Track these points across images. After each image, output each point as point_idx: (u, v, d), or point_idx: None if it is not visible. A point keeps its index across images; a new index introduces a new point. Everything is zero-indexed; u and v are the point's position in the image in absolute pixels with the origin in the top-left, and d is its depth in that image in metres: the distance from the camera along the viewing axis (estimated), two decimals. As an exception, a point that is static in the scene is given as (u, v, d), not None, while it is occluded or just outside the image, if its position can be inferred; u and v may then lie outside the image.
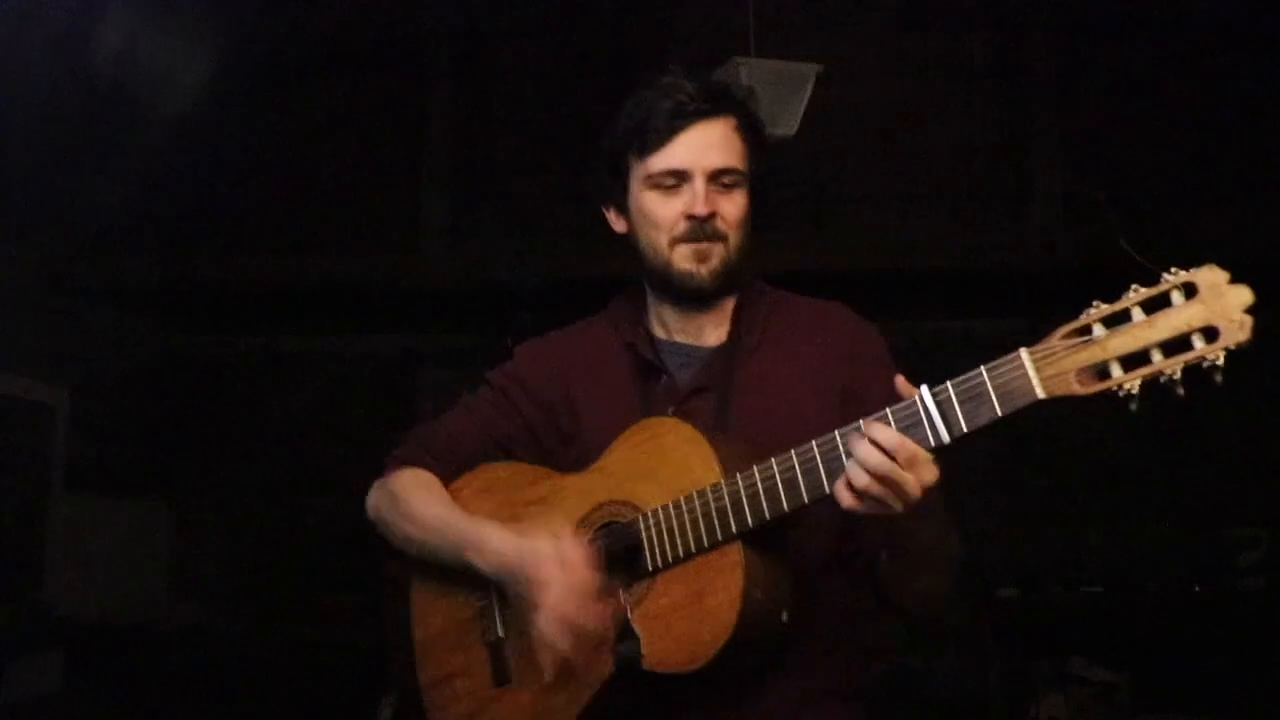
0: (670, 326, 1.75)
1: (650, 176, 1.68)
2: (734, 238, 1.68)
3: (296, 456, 5.81)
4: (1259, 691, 4.87)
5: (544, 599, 1.47)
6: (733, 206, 1.68)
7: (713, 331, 1.73)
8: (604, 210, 1.78)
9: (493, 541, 1.59)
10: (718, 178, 1.66)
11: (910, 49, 5.24)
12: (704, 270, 1.66)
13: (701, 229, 1.65)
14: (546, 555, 1.50)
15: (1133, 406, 1.26)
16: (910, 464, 1.34)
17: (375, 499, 1.78)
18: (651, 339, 1.74)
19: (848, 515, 1.41)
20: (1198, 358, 1.21)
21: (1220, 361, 1.21)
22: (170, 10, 4.49)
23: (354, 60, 5.43)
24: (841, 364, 1.69)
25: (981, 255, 5.03)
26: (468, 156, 5.33)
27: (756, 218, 1.74)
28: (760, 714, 1.55)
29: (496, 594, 1.63)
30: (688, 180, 1.66)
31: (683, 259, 1.67)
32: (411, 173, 5.36)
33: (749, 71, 3.90)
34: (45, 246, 5.06)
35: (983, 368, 1.33)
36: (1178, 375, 1.23)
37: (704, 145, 1.66)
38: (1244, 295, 1.22)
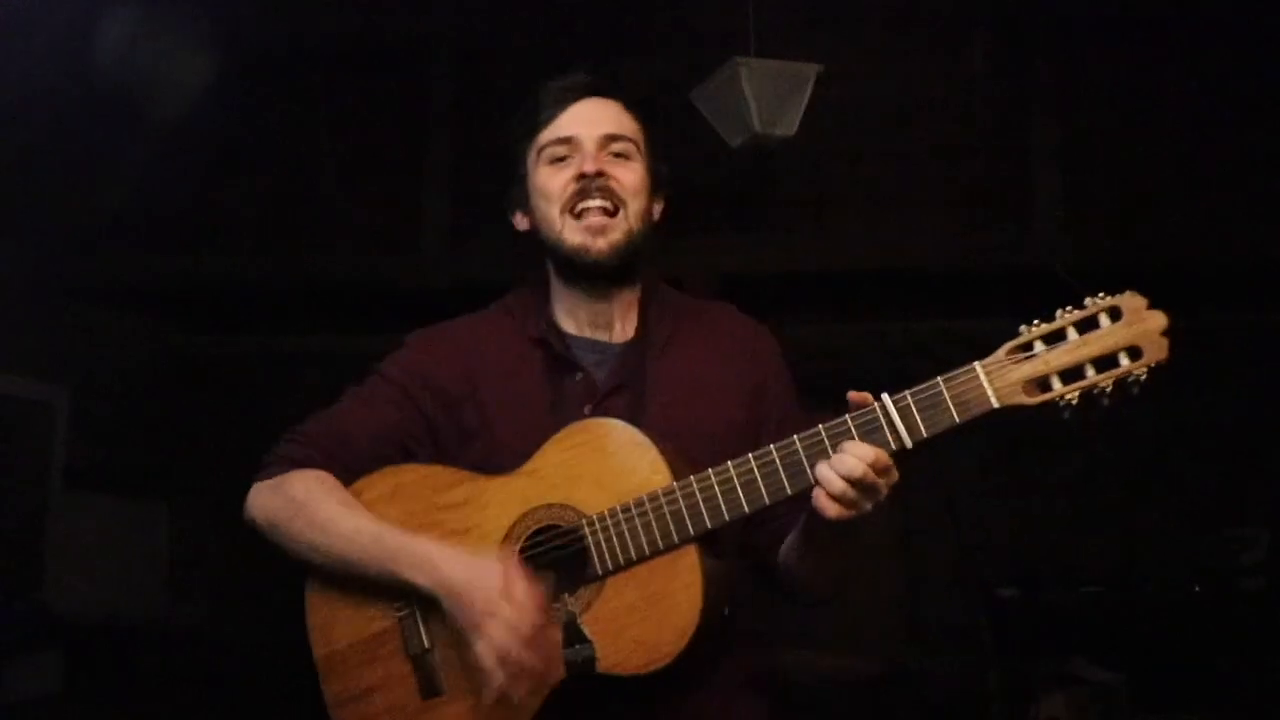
0: (578, 319, 1.70)
1: (542, 151, 1.68)
2: (633, 206, 1.65)
3: (296, 456, 5.80)
4: (1259, 691, 4.87)
5: (488, 629, 1.43)
6: (628, 173, 1.66)
7: (619, 326, 1.70)
8: (509, 216, 1.75)
9: (435, 558, 1.51)
10: (608, 144, 1.66)
11: (910, 49, 5.23)
12: (601, 243, 1.63)
13: (592, 186, 1.63)
14: (493, 586, 1.44)
15: (1067, 416, 1.41)
16: (884, 472, 1.43)
17: (268, 501, 1.64)
18: (561, 333, 1.69)
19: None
20: (1125, 373, 1.39)
21: (1144, 377, 1.40)
22: (170, 10, 4.49)
23: (354, 60, 5.42)
24: (748, 363, 1.71)
25: (981, 255, 5.03)
26: (468, 156, 5.33)
27: (656, 203, 1.72)
28: (694, 707, 1.56)
29: (419, 603, 1.55)
30: (578, 148, 1.65)
31: (574, 232, 1.64)
32: (411, 173, 5.36)
33: (749, 71, 3.90)
34: (45, 246, 5.06)
35: (939, 378, 1.44)
36: (1109, 388, 1.40)
37: (593, 114, 1.67)
38: (1160, 320, 1.40)
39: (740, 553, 1.63)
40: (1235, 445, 5.28)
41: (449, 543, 1.54)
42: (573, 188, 1.64)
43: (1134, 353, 1.39)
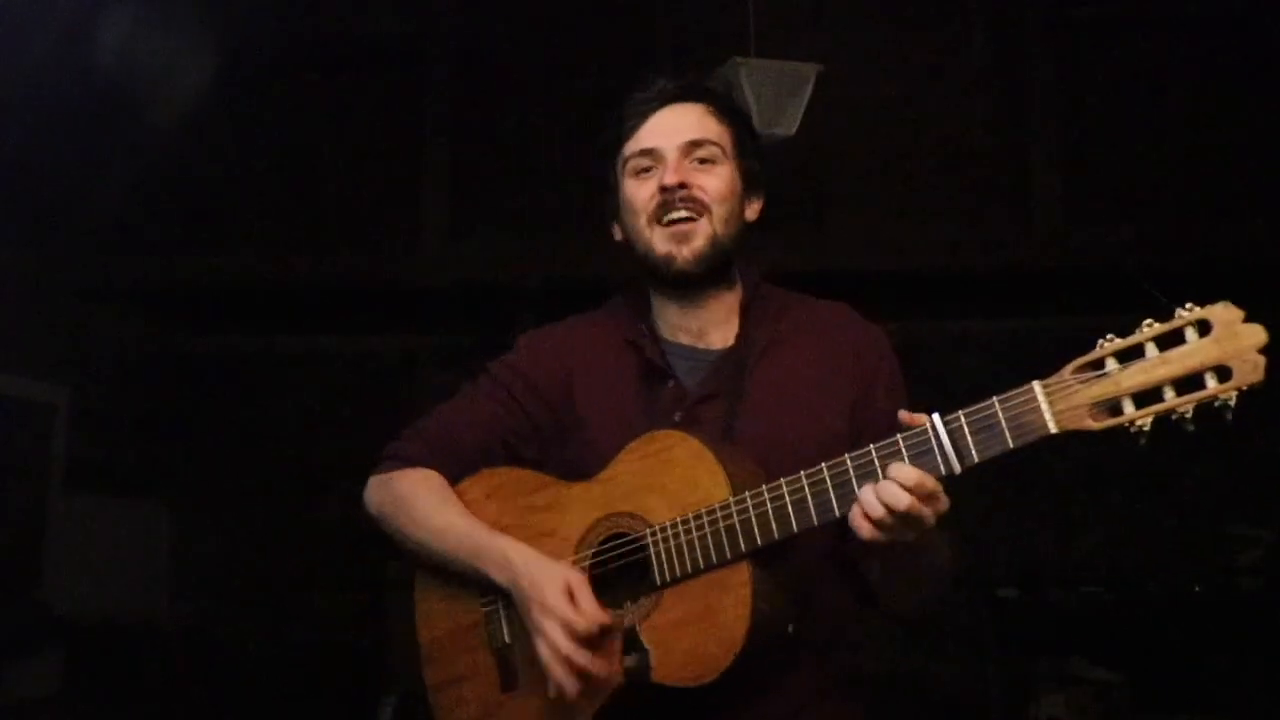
0: (674, 326, 1.70)
1: (627, 163, 1.67)
2: (718, 212, 1.64)
3: (296, 456, 5.81)
4: (1259, 691, 4.87)
5: (545, 627, 1.48)
6: (713, 179, 1.65)
7: (717, 332, 1.70)
8: (608, 227, 1.76)
9: (511, 557, 1.56)
10: (691, 152, 1.65)
11: (910, 49, 5.23)
12: (685, 251, 1.63)
13: (674, 198, 1.62)
14: (556, 583, 1.49)
15: (1142, 442, 1.27)
16: (929, 499, 1.36)
17: (378, 497, 1.73)
18: (657, 339, 1.70)
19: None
20: (1210, 396, 1.22)
21: (1232, 401, 1.23)
22: (170, 10, 4.49)
23: (354, 60, 5.42)
24: (852, 373, 1.67)
25: (981, 255, 5.03)
26: (467, 156, 5.33)
27: (749, 205, 1.71)
28: (760, 716, 1.55)
29: (503, 601, 1.61)
30: (661, 159, 1.65)
31: (662, 241, 1.64)
32: (411, 173, 5.36)
33: (749, 71, 3.90)
34: (45, 246, 5.06)
35: (995, 399, 1.33)
36: (1189, 414, 1.24)
37: (675, 123, 1.66)
38: (1258, 335, 1.22)
39: (835, 561, 1.61)
40: (1235, 445, 5.28)
41: (533, 545, 1.58)
42: (657, 200, 1.64)
43: (1222, 373, 1.22)
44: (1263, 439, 5.37)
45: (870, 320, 1.80)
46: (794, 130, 4.03)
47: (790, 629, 1.52)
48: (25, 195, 4.67)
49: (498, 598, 1.62)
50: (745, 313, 1.71)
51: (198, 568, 5.91)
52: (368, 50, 5.41)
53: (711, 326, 1.70)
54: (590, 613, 1.47)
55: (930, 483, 1.35)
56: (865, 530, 1.38)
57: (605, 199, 1.74)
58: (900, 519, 1.36)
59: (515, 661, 1.60)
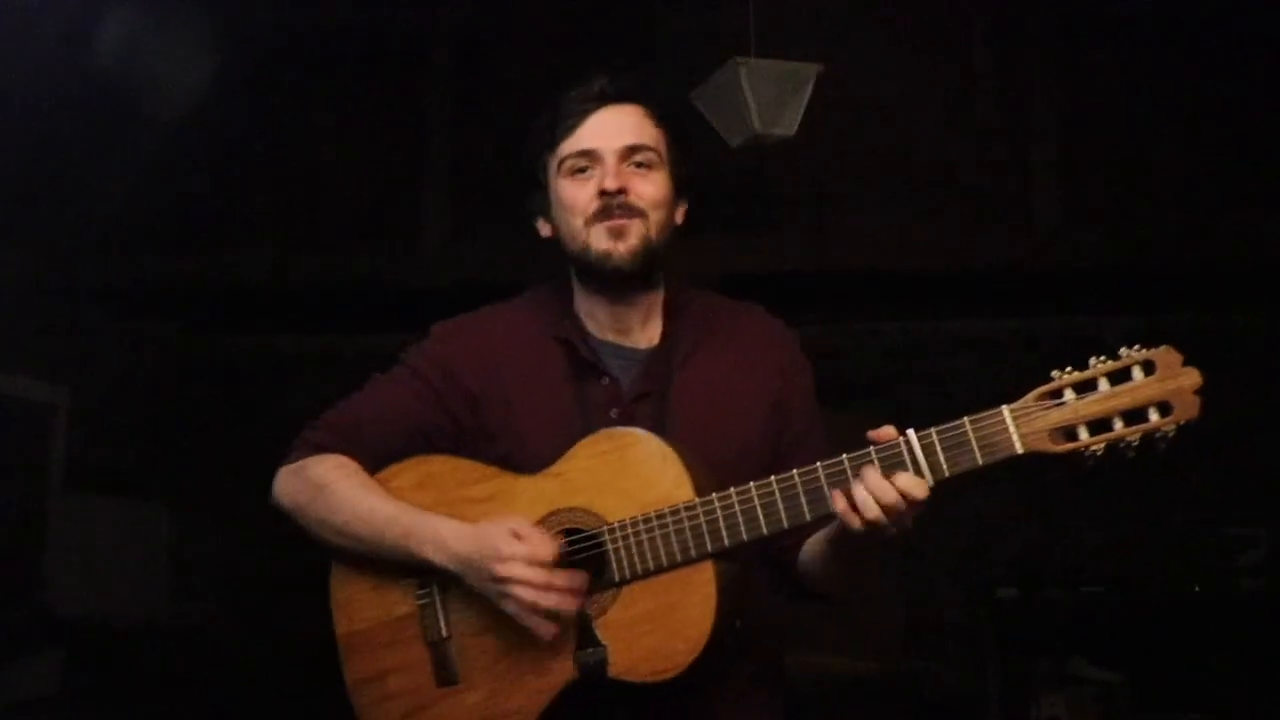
0: (601, 323, 1.70)
1: (563, 163, 1.67)
2: (653, 217, 1.65)
3: (296, 456, 5.80)
4: (1259, 691, 4.88)
5: (508, 572, 1.47)
6: (649, 185, 1.65)
7: (642, 331, 1.71)
8: (533, 222, 1.76)
9: (445, 532, 1.55)
10: (629, 156, 1.65)
11: (910, 49, 5.23)
12: (621, 248, 1.63)
13: (613, 203, 1.63)
14: (502, 532, 1.49)
15: (1091, 465, 1.42)
16: (916, 503, 1.44)
17: (290, 486, 1.69)
18: (585, 335, 1.70)
19: None
20: (1153, 428, 1.40)
21: (1172, 434, 1.40)
22: (170, 10, 4.49)
23: (354, 60, 5.42)
24: (774, 375, 1.70)
25: (981, 255, 5.03)
26: (468, 156, 5.33)
27: (678, 209, 1.72)
28: (700, 708, 1.58)
29: (439, 591, 1.59)
30: (599, 161, 1.65)
31: (599, 239, 1.64)
32: (411, 173, 5.36)
33: (749, 71, 3.89)
34: (45, 246, 5.06)
35: (966, 419, 1.44)
36: (1136, 442, 1.40)
37: (613, 125, 1.66)
38: (1194, 377, 1.39)
39: (760, 553, 1.64)
40: (1235, 445, 5.28)
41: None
42: (595, 204, 1.64)
43: (1164, 408, 1.39)
44: (1263, 439, 5.37)
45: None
46: (794, 130, 4.03)
47: (738, 624, 1.56)
48: (25, 195, 4.67)
49: (433, 588, 1.59)
50: (668, 313, 1.72)
51: (198, 568, 5.92)
52: (369, 49, 5.40)
53: (637, 325, 1.70)
54: (544, 544, 1.48)
55: (922, 487, 1.43)
56: (855, 523, 1.44)
57: (531, 194, 1.74)
58: (891, 514, 1.43)
59: (452, 656, 1.58)
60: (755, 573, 1.64)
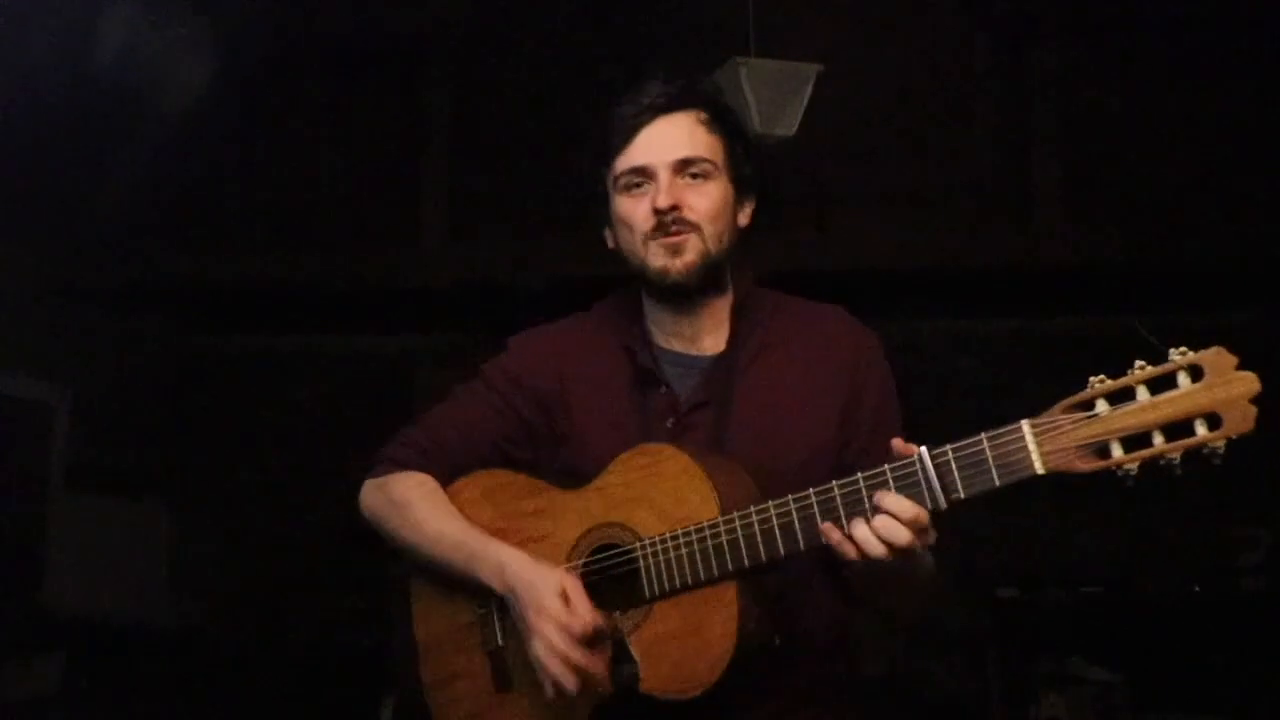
0: (667, 332, 1.71)
1: (618, 179, 1.66)
2: (709, 229, 1.64)
3: (296, 456, 5.81)
4: (1259, 691, 4.88)
5: (541, 628, 1.50)
6: (702, 198, 1.64)
7: (709, 338, 1.70)
8: (600, 232, 1.76)
9: (506, 561, 1.58)
10: (683, 170, 1.63)
11: (910, 47, 5.23)
12: (678, 263, 1.63)
13: (669, 222, 1.62)
14: (551, 587, 1.51)
15: (1129, 484, 1.27)
16: (921, 532, 1.38)
17: (373, 501, 1.76)
18: (650, 345, 1.71)
19: None
20: (1199, 444, 1.22)
21: (1221, 450, 1.22)
22: (170, 10, 4.49)
23: (354, 60, 5.42)
24: (844, 378, 1.67)
25: (981, 255, 5.03)
26: (467, 155, 5.33)
27: (742, 211, 1.71)
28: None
29: (497, 604, 1.63)
30: (652, 176, 1.64)
31: (655, 255, 1.64)
32: (411, 173, 5.36)
33: (749, 71, 3.90)
34: (45, 246, 5.06)
35: (984, 435, 1.33)
36: (1178, 460, 1.23)
37: (664, 139, 1.64)
38: (1251, 384, 1.22)
39: (820, 564, 1.61)
40: (1235, 445, 5.27)
41: (525, 550, 1.60)
42: (651, 222, 1.63)
43: (1213, 420, 1.21)
44: (1263, 439, 5.37)
45: (871, 320, 1.79)
46: (794, 130, 4.03)
47: (777, 641, 1.53)
48: (25, 195, 4.67)
49: (492, 602, 1.63)
50: (736, 317, 1.71)
51: (198, 568, 5.92)
52: (368, 50, 5.40)
53: (704, 332, 1.70)
54: (585, 615, 1.49)
55: (923, 516, 1.36)
56: (852, 553, 1.41)
57: (597, 207, 1.73)
58: (895, 552, 1.38)
59: (509, 663, 1.62)
60: (809, 586, 1.62)
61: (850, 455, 1.62)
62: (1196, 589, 5.16)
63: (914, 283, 5.23)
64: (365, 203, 5.44)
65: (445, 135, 5.37)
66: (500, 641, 1.63)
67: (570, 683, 1.48)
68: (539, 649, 1.50)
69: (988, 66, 5.22)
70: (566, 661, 1.48)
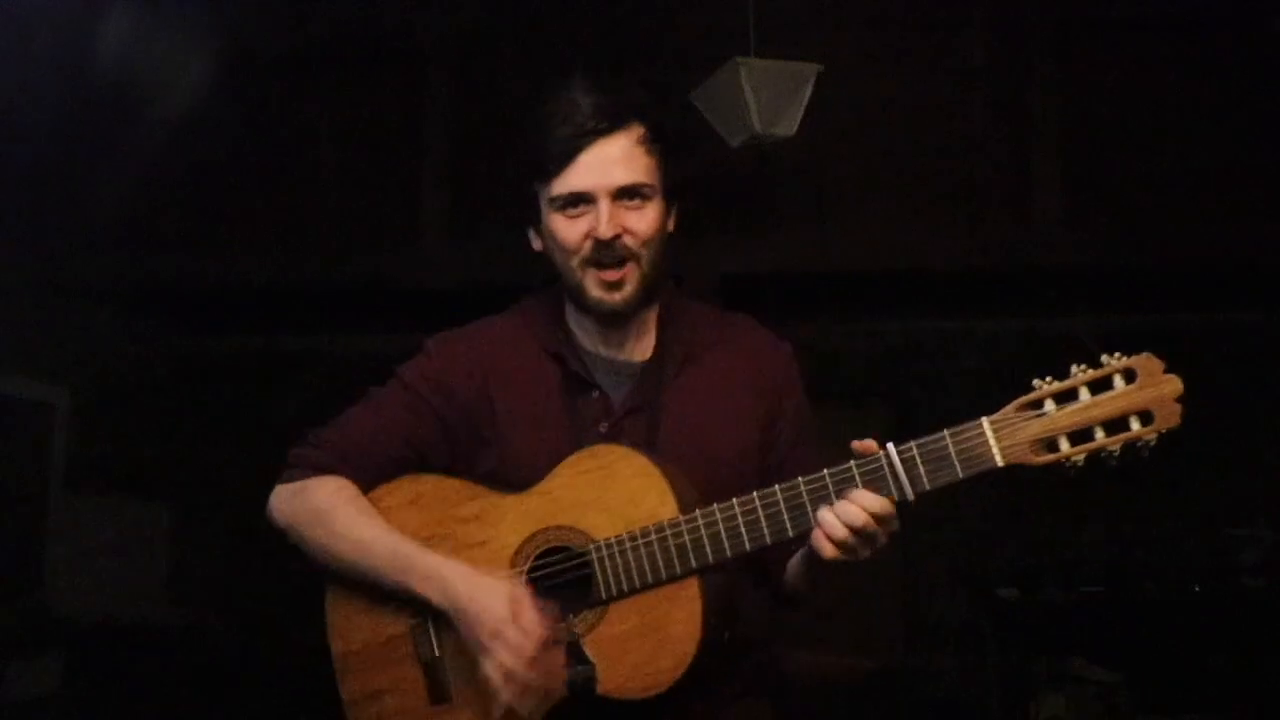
0: (593, 336, 1.70)
1: (554, 200, 1.63)
2: (647, 255, 1.63)
3: (296, 456, 5.80)
4: (1259, 691, 4.88)
5: (494, 650, 1.48)
6: (643, 223, 1.62)
7: (637, 345, 1.69)
8: (526, 231, 1.73)
9: (447, 574, 1.55)
10: (622, 196, 1.61)
11: (910, 49, 5.23)
12: (617, 297, 1.62)
13: (608, 250, 1.61)
14: (499, 600, 1.49)
15: (1072, 474, 1.41)
16: (885, 521, 1.45)
17: (289, 508, 1.69)
18: (576, 348, 1.69)
19: None
20: (1134, 438, 1.38)
21: (1153, 443, 1.39)
22: (170, 10, 4.49)
23: (354, 61, 5.42)
24: (765, 387, 1.69)
25: (981, 255, 5.03)
26: (467, 156, 5.33)
27: (671, 219, 1.69)
28: (687, 717, 1.57)
29: (431, 614, 1.59)
30: (591, 202, 1.61)
31: (594, 286, 1.63)
32: (411, 173, 5.36)
33: (749, 71, 3.90)
34: (45, 246, 5.06)
35: (946, 431, 1.43)
36: (1117, 452, 1.39)
37: (605, 164, 1.61)
38: (1176, 385, 1.38)
39: (748, 565, 1.63)
40: (1235, 445, 5.28)
41: (461, 557, 1.57)
42: (589, 247, 1.62)
43: (1145, 417, 1.38)
44: (1263, 439, 5.37)
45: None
46: (794, 130, 4.03)
47: (726, 635, 1.56)
48: (26, 195, 4.67)
49: (425, 611, 1.59)
50: (661, 325, 1.71)
51: (198, 568, 5.91)
52: (368, 50, 5.40)
53: (631, 339, 1.69)
54: (535, 629, 1.47)
55: (888, 507, 1.44)
56: (829, 551, 1.46)
57: (522, 205, 1.70)
58: (860, 538, 1.44)
59: (445, 674, 1.59)
60: (744, 580, 1.64)
61: (774, 460, 1.66)
62: (1196, 589, 5.15)
63: (914, 283, 5.23)
64: (365, 203, 5.43)
65: (445, 135, 5.36)
66: (436, 652, 1.59)
67: (525, 704, 1.48)
68: (491, 670, 1.48)
69: (987, 66, 5.22)
70: (514, 680, 1.47)
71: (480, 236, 5.28)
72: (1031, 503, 5.52)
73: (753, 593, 1.67)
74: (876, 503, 1.43)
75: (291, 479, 1.71)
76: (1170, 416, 1.37)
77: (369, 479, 1.67)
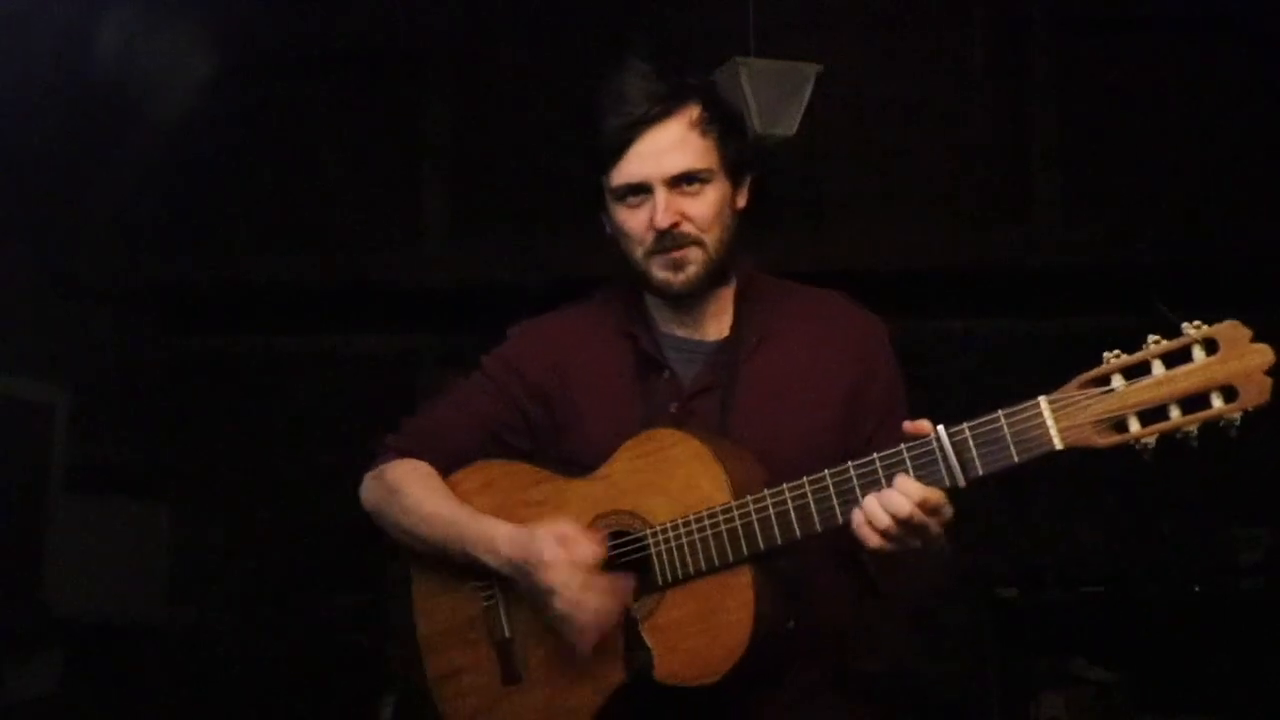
0: (669, 318, 1.71)
1: (613, 191, 1.64)
2: (710, 237, 1.63)
3: (296, 456, 5.81)
4: (1259, 691, 4.88)
5: (552, 578, 1.49)
6: (702, 207, 1.62)
7: (713, 324, 1.70)
8: (600, 215, 1.74)
9: (500, 536, 1.58)
10: (679, 183, 1.61)
11: (910, 49, 5.23)
12: (680, 277, 1.63)
13: (669, 239, 1.61)
14: (547, 538, 1.51)
15: (1147, 458, 1.28)
16: (934, 511, 1.38)
17: (371, 490, 1.75)
18: (652, 330, 1.70)
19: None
20: (1216, 416, 1.23)
21: (1237, 422, 1.23)
22: (170, 10, 4.49)
23: (354, 61, 5.42)
24: (851, 363, 1.66)
25: (981, 255, 5.03)
26: (468, 156, 5.33)
27: (739, 197, 1.69)
28: (765, 711, 1.56)
29: (501, 592, 1.62)
30: (649, 191, 1.62)
31: (658, 269, 1.64)
32: (411, 173, 5.36)
33: (749, 71, 3.90)
34: (45, 246, 5.06)
35: (1001, 412, 1.34)
36: (1195, 432, 1.25)
37: (658, 153, 1.60)
38: (1266, 355, 1.23)
39: (835, 553, 1.60)
40: (1235, 445, 5.27)
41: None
42: (651, 237, 1.62)
43: (1229, 393, 1.22)
44: (1263, 439, 5.36)
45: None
46: (794, 130, 4.03)
47: (790, 625, 1.52)
48: (25, 195, 4.67)
49: (495, 589, 1.63)
50: (739, 304, 1.71)
51: (198, 568, 5.91)
52: (368, 50, 5.40)
53: (707, 318, 1.70)
54: (588, 548, 1.49)
55: (936, 497, 1.37)
56: (872, 540, 1.40)
57: (594, 200, 1.71)
58: (905, 528, 1.37)
59: (516, 655, 1.62)
60: (822, 574, 1.60)
61: (858, 440, 1.61)
62: (1196, 589, 5.15)
63: (914, 283, 5.23)
64: (366, 203, 5.43)
65: (446, 135, 5.36)
66: (507, 633, 1.62)
67: (609, 604, 1.47)
68: (559, 604, 1.48)
69: (987, 66, 5.22)
70: (588, 605, 1.47)
71: (480, 236, 5.28)
72: (1032, 503, 5.52)
73: (832, 580, 1.62)
74: (920, 490, 1.36)
75: (377, 464, 1.77)
76: (1258, 392, 1.21)
77: (447, 463, 1.71)
